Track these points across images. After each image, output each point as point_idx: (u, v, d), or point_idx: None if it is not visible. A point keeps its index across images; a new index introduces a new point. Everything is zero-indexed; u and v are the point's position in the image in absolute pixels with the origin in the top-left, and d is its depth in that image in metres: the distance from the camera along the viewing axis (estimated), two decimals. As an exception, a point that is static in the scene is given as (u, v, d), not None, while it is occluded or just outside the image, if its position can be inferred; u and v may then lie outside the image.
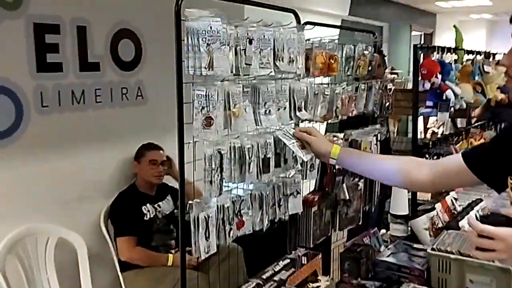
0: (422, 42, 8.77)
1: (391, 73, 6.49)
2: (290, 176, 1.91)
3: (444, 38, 10.06)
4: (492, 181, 1.41)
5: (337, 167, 2.15)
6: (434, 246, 2.34)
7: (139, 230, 2.86)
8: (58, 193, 2.94)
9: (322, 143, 1.59)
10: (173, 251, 3.00)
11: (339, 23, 5.69)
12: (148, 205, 2.93)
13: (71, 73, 2.99)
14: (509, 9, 9.28)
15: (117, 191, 3.26)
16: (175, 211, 3.09)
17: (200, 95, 1.43)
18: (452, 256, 2.27)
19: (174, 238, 3.08)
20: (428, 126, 5.71)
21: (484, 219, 1.12)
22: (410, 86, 4.31)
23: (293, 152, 1.74)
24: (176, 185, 3.18)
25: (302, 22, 2.00)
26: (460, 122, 4.43)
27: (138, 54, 3.43)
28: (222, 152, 1.48)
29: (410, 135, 3.53)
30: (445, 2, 7.97)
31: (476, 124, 3.76)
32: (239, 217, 1.66)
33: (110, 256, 3.02)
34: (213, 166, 1.45)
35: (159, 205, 2.99)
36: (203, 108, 1.43)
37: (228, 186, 1.65)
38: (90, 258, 2.83)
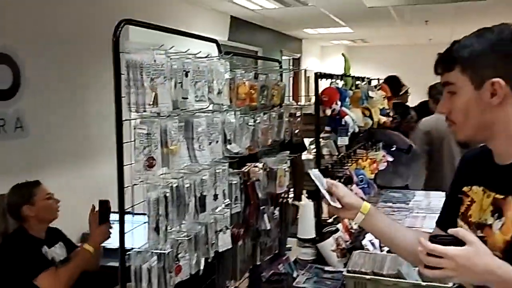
0: (291, 66, 9.22)
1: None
2: (219, 211, 1.82)
3: (308, 62, 10.70)
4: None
5: (260, 196, 2.12)
6: (349, 268, 2.42)
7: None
8: None
9: (353, 196, 1.53)
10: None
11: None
12: (45, 247, 2.60)
13: None
14: (366, 36, 10.10)
15: (-4, 237, 2.86)
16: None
17: (141, 134, 1.29)
18: (367, 276, 2.35)
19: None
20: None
21: (433, 238, 1.15)
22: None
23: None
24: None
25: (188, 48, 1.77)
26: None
27: (16, 81, 3.09)
28: (167, 195, 1.35)
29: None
30: (311, 29, 8.48)
31: (360, 145, 3.99)
32: (176, 262, 1.53)
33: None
34: (160, 211, 1.32)
35: (53, 251, 2.67)
36: (144, 148, 1.30)
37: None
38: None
